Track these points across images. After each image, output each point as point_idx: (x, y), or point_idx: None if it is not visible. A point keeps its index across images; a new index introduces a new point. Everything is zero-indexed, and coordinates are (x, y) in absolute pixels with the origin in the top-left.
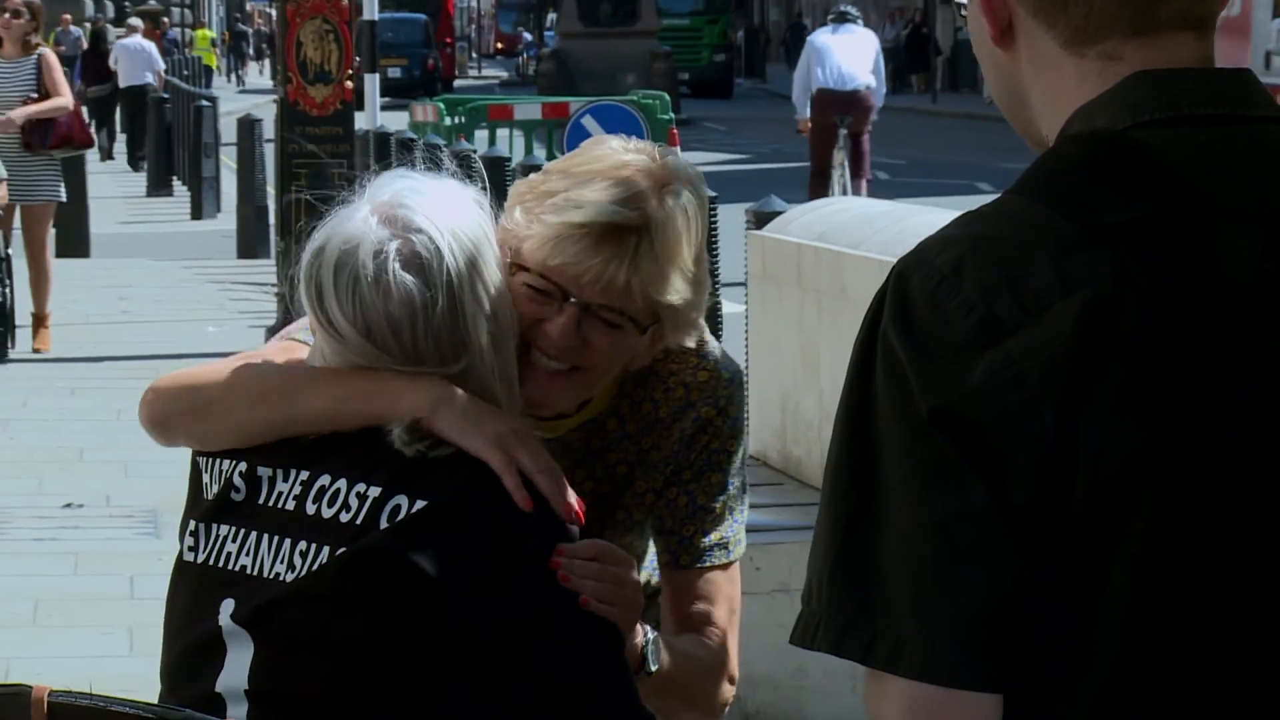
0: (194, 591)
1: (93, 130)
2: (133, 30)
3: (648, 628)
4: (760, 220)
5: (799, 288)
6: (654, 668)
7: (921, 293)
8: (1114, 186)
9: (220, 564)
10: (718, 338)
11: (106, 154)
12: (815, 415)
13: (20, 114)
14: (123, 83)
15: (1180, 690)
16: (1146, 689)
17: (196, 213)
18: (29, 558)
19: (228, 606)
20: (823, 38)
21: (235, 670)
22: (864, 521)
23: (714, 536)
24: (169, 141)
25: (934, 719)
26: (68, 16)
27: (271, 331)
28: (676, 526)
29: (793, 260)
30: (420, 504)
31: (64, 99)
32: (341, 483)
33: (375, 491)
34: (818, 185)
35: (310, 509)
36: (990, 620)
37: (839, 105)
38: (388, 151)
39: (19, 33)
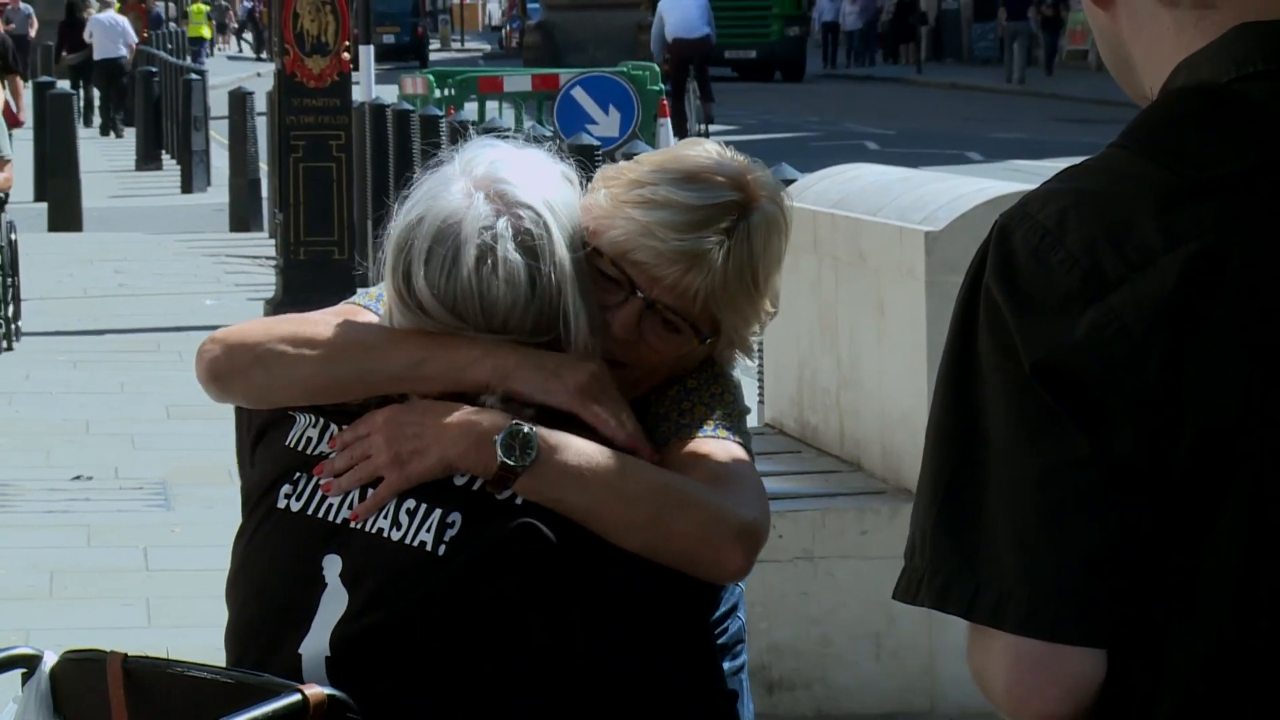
0: (291, 543)
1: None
2: (106, 5)
3: (513, 423)
4: None
5: (815, 254)
6: (513, 463)
7: (1025, 247)
8: (1217, 139)
9: (321, 515)
10: None
11: (85, 119)
12: (832, 382)
13: None
14: (97, 55)
15: None
16: (1259, 642)
17: (187, 186)
18: (42, 530)
19: (333, 563)
20: (668, 2)
21: (321, 632)
22: (967, 476)
23: (683, 420)
24: (157, 115)
25: (1038, 673)
26: None
27: (270, 304)
28: (650, 432)
29: (809, 227)
30: None
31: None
32: None
33: None
34: (676, 102)
35: None
36: (1094, 574)
37: (688, 48)
38: (384, 123)
39: None
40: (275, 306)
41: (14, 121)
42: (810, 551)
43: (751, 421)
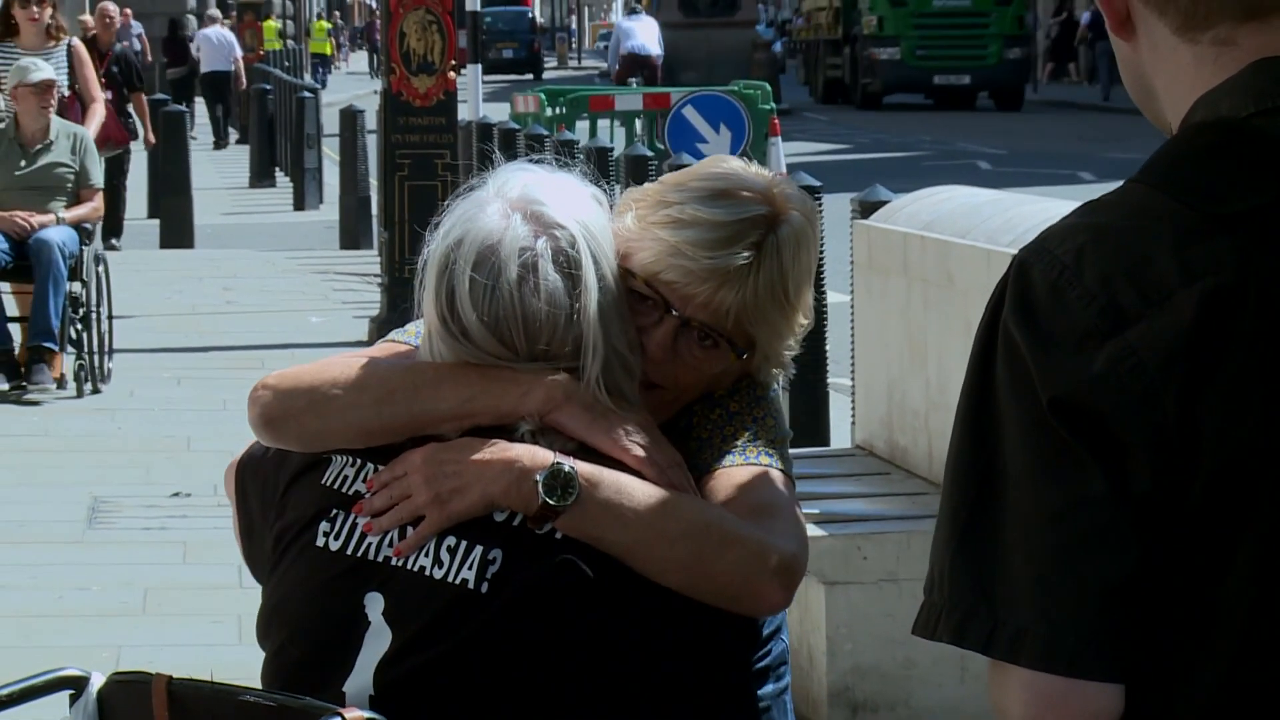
0: (329, 579)
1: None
2: (212, 20)
3: (556, 459)
4: (866, 210)
5: (905, 277)
6: (555, 502)
7: (1043, 282)
8: (1236, 175)
9: (361, 554)
10: (822, 328)
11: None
12: (922, 404)
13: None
14: (204, 69)
15: None
16: (1269, 677)
17: (299, 203)
18: (137, 547)
19: (375, 601)
20: (626, 22)
21: (364, 671)
22: (985, 511)
23: (726, 446)
24: (271, 132)
25: (1055, 709)
26: (128, 11)
27: (375, 321)
28: (692, 458)
29: (899, 249)
30: None
31: (97, 102)
32: None
33: None
34: None
35: None
36: (1110, 609)
37: (638, 63)
38: (490, 142)
39: (44, 23)
40: (380, 325)
41: (122, 138)
42: (895, 574)
43: (844, 443)
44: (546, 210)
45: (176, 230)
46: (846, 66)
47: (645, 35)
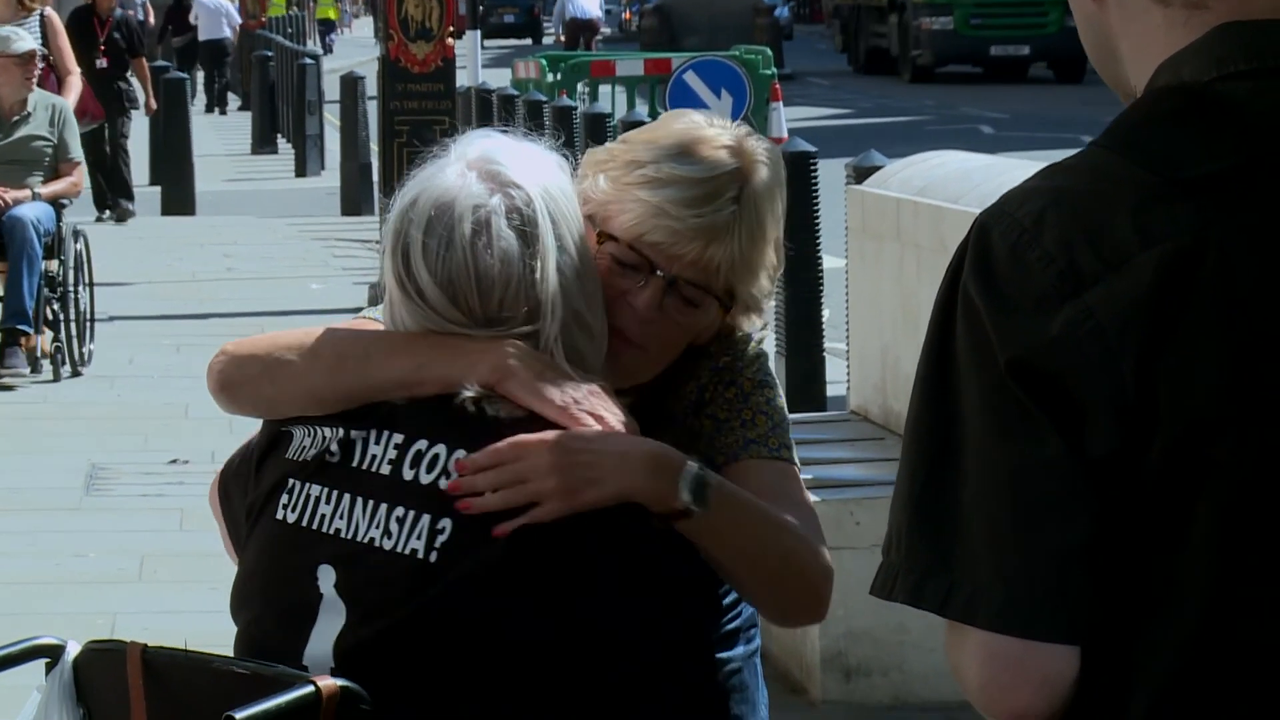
0: (284, 553)
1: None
2: None
3: (697, 464)
4: (860, 175)
5: (898, 242)
6: (696, 507)
7: (1002, 245)
8: (1196, 139)
9: (314, 526)
10: (818, 293)
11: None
12: (915, 369)
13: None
14: (202, 36)
15: (1266, 640)
16: (1231, 639)
17: (301, 170)
18: (134, 513)
19: (327, 574)
20: None
21: (323, 643)
22: (942, 473)
23: (750, 434)
24: (272, 99)
25: (1011, 669)
26: None
27: (375, 288)
28: (705, 446)
29: (892, 215)
30: None
31: (74, 75)
32: (440, 448)
33: None
34: None
35: (408, 474)
36: (1066, 571)
37: (582, 26)
38: (489, 109)
39: None
40: (380, 290)
41: (98, 113)
42: None
43: (840, 408)
44: (504, 170)
45: (178, 197)
46: (893, 36)
47: (587, 0)
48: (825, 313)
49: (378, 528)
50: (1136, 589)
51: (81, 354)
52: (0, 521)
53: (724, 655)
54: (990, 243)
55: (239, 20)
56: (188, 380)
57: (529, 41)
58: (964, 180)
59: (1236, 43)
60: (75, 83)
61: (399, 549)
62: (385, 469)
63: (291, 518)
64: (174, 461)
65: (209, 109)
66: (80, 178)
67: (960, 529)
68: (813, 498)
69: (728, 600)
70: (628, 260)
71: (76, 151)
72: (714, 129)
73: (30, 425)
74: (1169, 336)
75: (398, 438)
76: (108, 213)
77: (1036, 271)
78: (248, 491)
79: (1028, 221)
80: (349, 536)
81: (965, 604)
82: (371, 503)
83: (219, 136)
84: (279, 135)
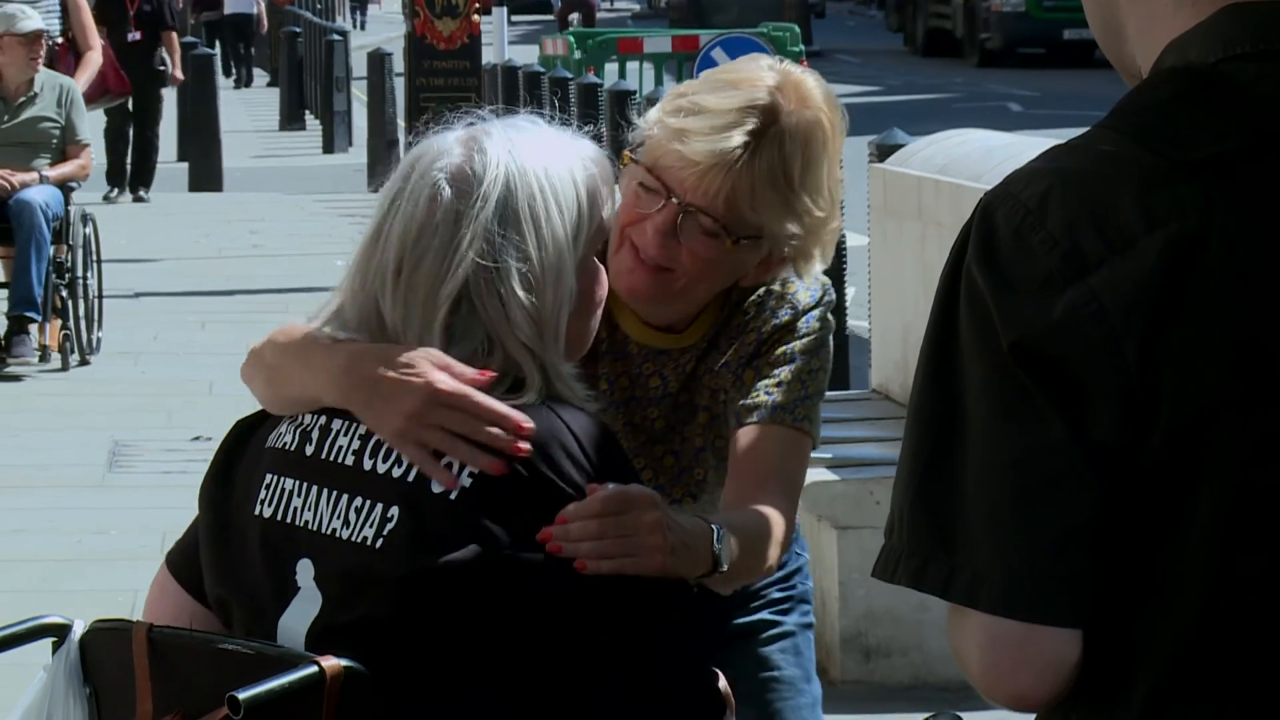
0: (261, 547)
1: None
2: None
3: (716, 526)
4: (883, 153)
5: (920, 220)
6: (725, 566)
7: (1006, 227)
8: (1201, 121)
9: (289, 520)
10: (841, 271)
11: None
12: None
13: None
14: (228, 10)
15: (1268, 624)
16: (1233, 623)
17: (328, 146)
18: (157, 490)
19: (305, 567)
20: None
21: (295, 636)
22: (945, 455)
23: (778, 398)
24: (300, 75)
25: (1012, 653)
26: None
27: None
28: (742, 396)
29: (913, 193)
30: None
31: (93, 51)
32: None
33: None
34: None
35: (367, 464)
36: (1068, 555)
37: (575, 2)
38: (515, 85)
39: None
40: None
41: (123, 89)
42: None
43: (860, 386)
44: (486, 138)
45: (205, 174)
46: (958, 17)
47: None
48: (850, 291)
49: (339, 518)
50: (1139, 573)
51: (90, 341)
52: (23, 498)
53: (777, 617)
54: (994, 224)
55: None
56: (212, 357)
57: (553, 18)
58: (986, 159)
59: (1243, 24)
60: (95, 58)
61: (354, 538)
62: (349, 459)
63: (268, 513)
64: (197, 439)
65: (237, 85)
66: (89, 160)
67: (962, 512)
68: (831, 477)
69: (783, 572)
70: (647, 183)
71: (84, 133)
72: (766, 70)
73: (54, 402)
74: (1173, 320)
75: (362, 428)
76: (116, 191)
77: (1040, 254)
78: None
79: (1032, 203)
80: (315, 529)
81: (967, 587)
82: (335, 493)
83: (247, 112)
84: (307, 111)
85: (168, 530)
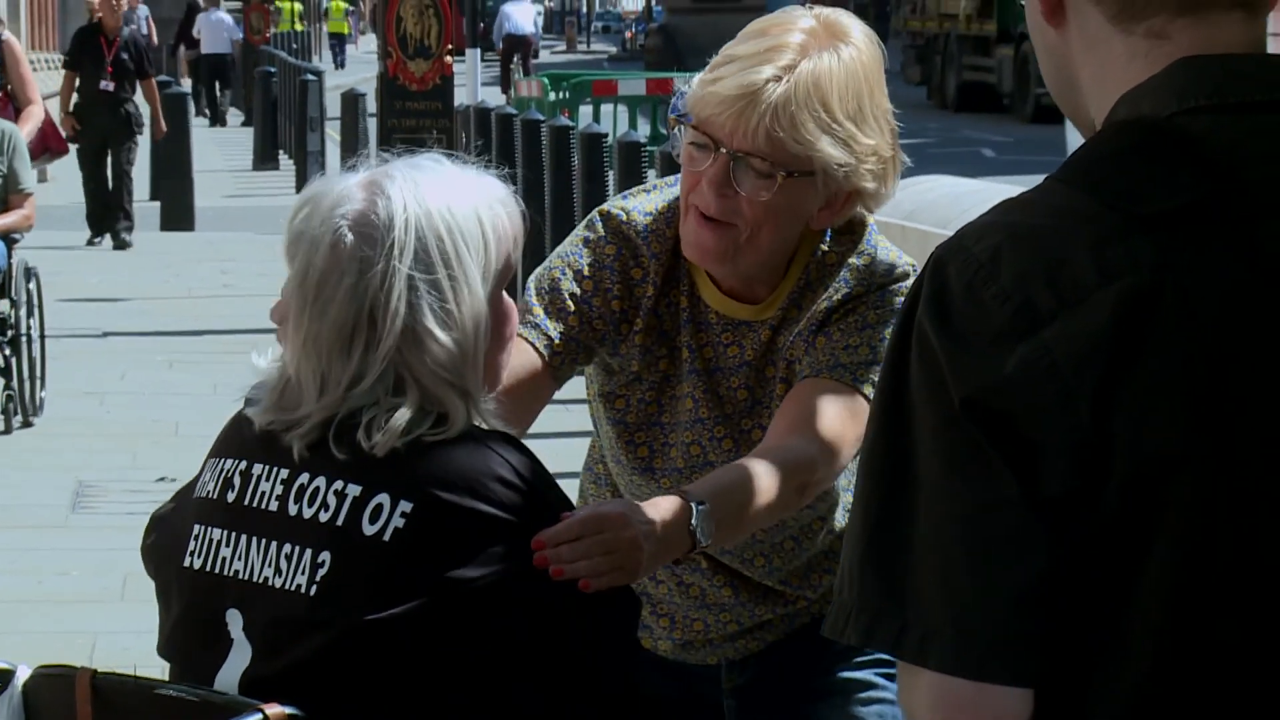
0: (194, 599)
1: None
2: (213, 4)
3: (695, 503)
4: None
5: None
6: (706, 542)
7: (958, 280)
8: (1155, 174)
9: (218, 570)
10: None
11: (198, 111)
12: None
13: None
14: (204, 50)
15: (1220, 682)
16: (1185, 681)
17: (302, 186)
18: (120, 532)
19: (235, 618)
20: (507, 6)
21: (229, 686)
22: (896, 511)
23: (840, 358)
24: (275, 115)
25: (963, 713)
26: None
27: None
28: (804, 360)
29: None
30: (405, 505)
31: (35, 105)
32: (320, 480)
33: (355, 490)
34: (504, 77)
35: (292, 509)
36: (1020, 613)
37: (517, 42)
38: (488, 126)
39: None
40: None
41: (61, 148)
42: None
43: None
44: (387, 181)
45: (177, 212)
46: (1005, 70)
47: (522, 17)
48: None
49: (270, 566)
50: (1091, 630)
51: (33, 403)
52: None
53: (882, 680)
54: (946, 278)
55: (239, 35)
56: (179, 397)
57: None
58: (954, 205)
59: (1198, 77)
60: (36, 112)
61: (287, 586)
62: (273, 505)
63: (198, 564)
64: (162, 480)
65: (212, 123)
66: (32, 210)
67: (913, 569)
68: None
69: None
70: (698, 141)
71: (28, 181)
72: (806, 16)
73: (19, 440)
74: (1126, 374)
75: (284, 472)
76: (100, 239)
77: (993, 309)
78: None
79: (984, 257)
80: (246, 578)
81: (917, 645)
82: (263, 541)
83: (220, 151)
84: (280, 151)
85: (129, 572)
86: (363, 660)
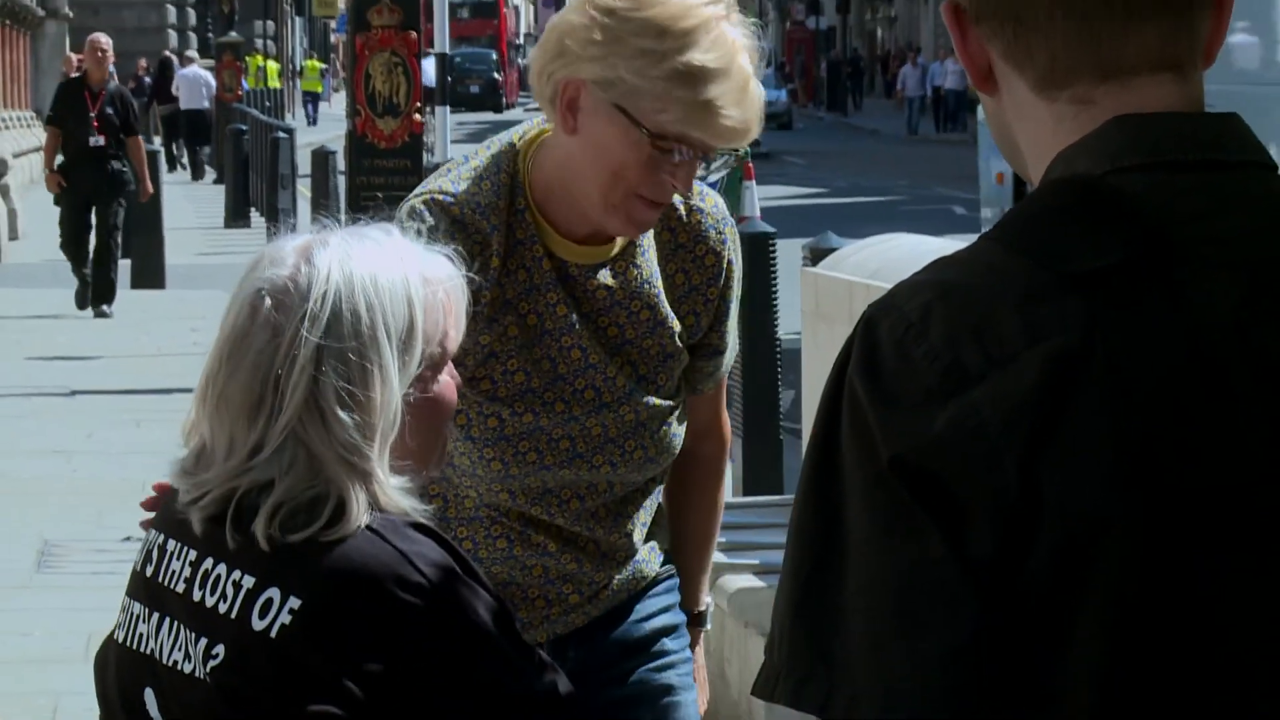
0: (119, 673)
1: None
2: (189, 60)
3: (707, 607)
4: (816, 257)
5: (850, 325)
6: (710, 626)
7: (889, 339)
8: (1085, 234)
9: (137, 646)
10: (774, 376)
11: (174, 164)
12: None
13: None
14: (183, 106)
15: None
16: None
17: None
18: (84, 592)
19: (150, 698)
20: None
21: None
22: (824, 571)
23: (723, 363)
24: (246, 172)
25: None
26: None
27: None
28: (705, 363)
29: (845, 297)
30: (295, 601)
31: None
32: (222, 567)
33: (249, 582)
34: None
35: (196, 594)
36: (949, 673)
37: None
38: None
39: None
40: None
41: None
42: None
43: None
44: (320, 248)
45: (148, 270)
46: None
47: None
48: (791, 394)
49: (180, 649)
50: (1021, 689)
51: None
52: None
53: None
54: (877, 337)
55: (215, 91)
56: (146, 456)
57: (492, 114)
58: (918, 263)
59: (1132, 136)
60: None
61: (195, 673)
62: (180, 587)
63: (121, 637)
64: (127, 539)
65: (194, 177)
66: None
67: (841, 630)
68: (758, 583)
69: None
70: (669, 148)
71: None
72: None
73: None
74: (1054, 434)
75: (192, 554)
76: (88, 310)
77: (922, 368)
78: None
79: (914, 316)
80: (159, 658)
81: (846, 707)
82: (172, 622)
83: (193, 209)
84: (252, 209)
85: (93, 633)
86: None
